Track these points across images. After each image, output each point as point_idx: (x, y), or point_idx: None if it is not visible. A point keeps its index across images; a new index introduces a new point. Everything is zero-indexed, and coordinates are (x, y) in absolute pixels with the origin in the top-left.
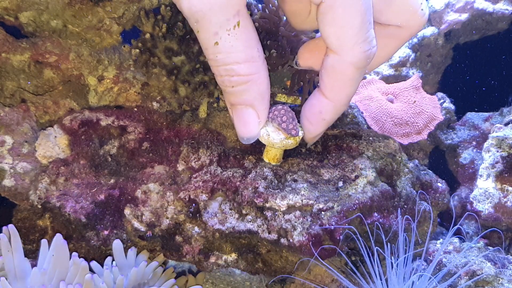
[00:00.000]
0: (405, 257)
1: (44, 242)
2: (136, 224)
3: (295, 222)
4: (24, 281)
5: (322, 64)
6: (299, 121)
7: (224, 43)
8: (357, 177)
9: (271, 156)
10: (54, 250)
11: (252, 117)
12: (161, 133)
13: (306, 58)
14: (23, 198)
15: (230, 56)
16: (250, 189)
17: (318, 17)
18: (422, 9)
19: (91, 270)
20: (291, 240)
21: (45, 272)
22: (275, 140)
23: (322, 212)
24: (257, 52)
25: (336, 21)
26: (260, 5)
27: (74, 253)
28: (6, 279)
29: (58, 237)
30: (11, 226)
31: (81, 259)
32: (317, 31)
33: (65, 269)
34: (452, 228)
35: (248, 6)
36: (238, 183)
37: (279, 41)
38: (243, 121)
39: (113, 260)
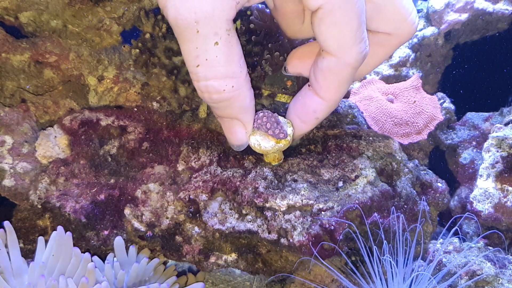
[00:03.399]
0: (405, 257)
1: (40, 239)
2: (136, 224)
3: (295, 222)
4: (21, 277)
5: (316, 67)
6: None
7: (206, 57)
8: (357, 177)
9: (271, 158)
10: (55, 243)
11: (238, 127)
12: (161, 133)
13: (294, 65)
14: (23, 198)
15: (211, 70)
16: (250, 189)
17: (315, 23)
18: (412, 18)
19: None
20: (291, 240)
21: (44, 265)
22: (267, 147)
23: (322, 212)
24: (239, 67)
25: (334, 26)
26: (259, 5)
27: (75, 247)
28: (3, 276)
29: (60, 229)
30: (6, 222)
31: (85, 253)
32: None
33: (68, 260)
34: (453, 228)
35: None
36: (238, 183)
37: (280, 41)
38: (230, 131)
39: (114, 257)
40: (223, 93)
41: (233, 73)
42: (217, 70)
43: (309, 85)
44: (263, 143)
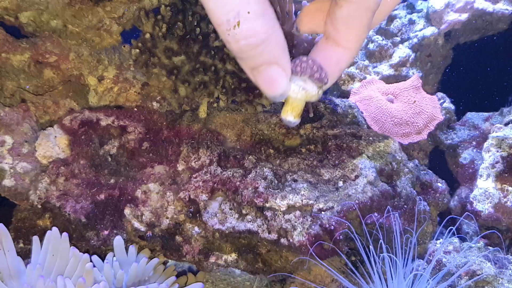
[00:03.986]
0: (404, 258)
1: (35, 238)
2: (136, 224)
3: (295, 222)
4: (19, 279)
5: (333, 18)
6: None
7: (239, 4)
8: (357, 177)
9: (298, 111)
10: (51, 244)
11: (278, 72)
12: (161, 133)
13: (306, 22)
14: (23, 198)
15: (244, 13)
16: (250, 189)
17: None
18: None
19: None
20: (291, 240)
21: (41, 267)
22: (312, 92)
23: (322, 212)
24: (268, 5)
25: None
26: None
27: (73, 248)
28: (1, 277)
29: (55, 230)
30: (0, 225)
31: (84, 253)
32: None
33: (65, 260)
34: (451, 228)
35: None
36: (238, 183)
37: None
38: (269, 81)
39: (113, 256)
40: (261, 34)
41: (265, 11)
42: (251, 11)
43: (325, 39)
44: (308, 87)
